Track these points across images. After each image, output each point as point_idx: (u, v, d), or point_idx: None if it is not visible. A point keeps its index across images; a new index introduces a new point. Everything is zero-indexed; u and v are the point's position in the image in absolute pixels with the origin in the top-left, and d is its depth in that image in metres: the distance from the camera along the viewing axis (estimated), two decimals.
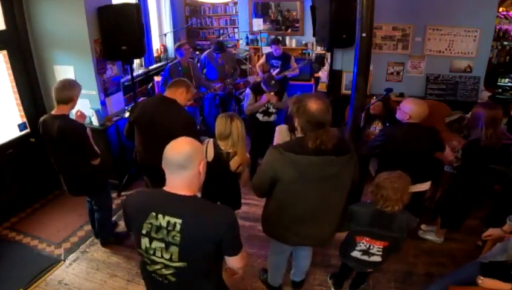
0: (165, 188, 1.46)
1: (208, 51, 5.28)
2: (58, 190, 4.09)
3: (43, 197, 3.99)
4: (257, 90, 3.77)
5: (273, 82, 3.64)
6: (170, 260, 1.43)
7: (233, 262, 1.55)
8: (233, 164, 2.49)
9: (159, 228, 1.41)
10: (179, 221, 1.38)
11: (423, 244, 3.24)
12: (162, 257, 1.44)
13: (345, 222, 2.24)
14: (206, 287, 1.57)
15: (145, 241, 1.45)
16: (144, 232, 1.43)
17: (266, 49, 6.76)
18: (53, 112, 2.70)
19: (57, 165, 2.84)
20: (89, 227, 3.48)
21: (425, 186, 2.92)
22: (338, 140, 1.94)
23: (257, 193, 2.17)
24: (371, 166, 3.38)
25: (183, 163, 1.40)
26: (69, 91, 2.64)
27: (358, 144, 3.18)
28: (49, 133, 2.66)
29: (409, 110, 2.71)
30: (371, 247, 2.26)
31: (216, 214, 1.45)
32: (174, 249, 1.41)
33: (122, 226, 3.57)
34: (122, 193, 4.07)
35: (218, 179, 2.55)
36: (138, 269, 2.98)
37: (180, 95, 2.78)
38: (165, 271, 1.47)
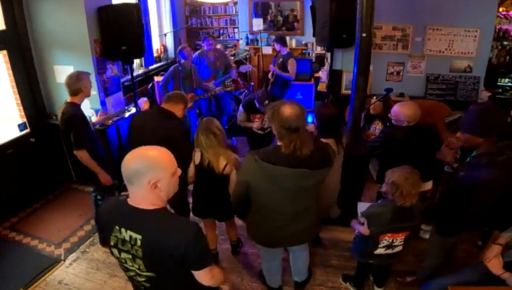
0: (129, 200, 1.42)
1: (199, 51, 5.30)
2: (58, 190, 4.09)
3: (43, 197, 3.99)
4: (249, 108, 3.74)
5: (266, 102, 3.50)
6: (139, 269, 1.44)
7: (199, 277, 1.46)
8: (220, 163, 2.54)
9: (123, 241, 1.41)
10: (139, 237, 1.36)
11: (423, 244, 3.23)
12: (132, 265, 1.45)
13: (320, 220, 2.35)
14: None
15: (115, 251, 1.46)
16: (112, 243, 1.45)
17: (266, 49, 6.80)
18: (67, 100, 2.85)
19: (66, 148, 2.94)
20: (89, 227, 3.48)
21: (427, 186, 2.92)
22: (317, 147, 1.95)
23: (234, 201, 2.18)
24: (371, 166, 3.38)
25: (128, 177, 1.34)
26: (76, 83, 2.78)
27: (358, 144, 3.18)
28: (60, 117, 2.84)
29: (403, 116, 2.69)
30: (394, 240, 2.32)
31: (177, 231, 1.38)
32: (140, 261, 1.41)
33: None
34: (122, 193, 4.06)
35: (206, 184, 2.64)
36: None
37: (178, 111, 2.84)
38: (138, 278, 1.49)
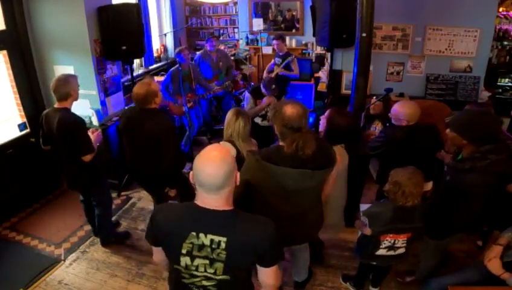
0: (200, 204, 1.39)
1: (201, 51, 5.30)
2: (58, 190, 4.09)
3: (43, 197, 3.98)
4: (257, 94, 3.77)
5: (273, 86, 3.64)
6: (214, 273, 1.41)
7: (265, 275, 1.46)
8: None
9: (201, 247, 1.38)
10: (223, 239, 1.35)
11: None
12: (205, 271, 1.42)
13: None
14: None
15: (185, 260, 1.42)
16: (184, 251, 1.40)
17: (266, 49, 6.80)
18: (55, 106, 2.74)
19: (56, 157, 2.86)
20: (89, 227, 3.48)
21: (427, 186, 2.91)
22: (319, 148, 1.94)
23: (235, 201, 2.16)
24: (371, 166, 3.38)
25: (222, 184, 1.35)
26: (65, 87, 2.67)
27: (358, 144, 3.17)
28: (50, 126, 2.71)
29: (403, 115, 2.69)
30: (396, 241, 2.30)
31: (259, 228, 1.40)
32: (219, 265, 1.39)
33: (123, 226, 3.58)
34: (122, 193, 4.07)
35: None
36: (138, 269, 3.00)
37: (155, 104, 2.76)
38: (205, 283, 1.45)
